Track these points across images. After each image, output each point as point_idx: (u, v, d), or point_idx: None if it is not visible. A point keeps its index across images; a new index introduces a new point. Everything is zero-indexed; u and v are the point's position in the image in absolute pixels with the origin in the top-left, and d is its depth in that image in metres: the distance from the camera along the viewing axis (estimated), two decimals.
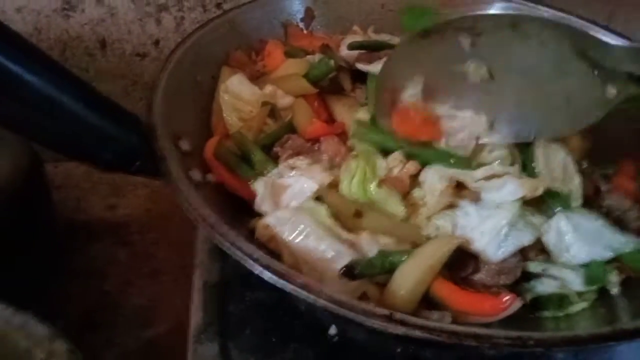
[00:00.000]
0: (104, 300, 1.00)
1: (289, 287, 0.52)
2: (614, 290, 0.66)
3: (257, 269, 0.53)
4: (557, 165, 0.71)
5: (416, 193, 0.68)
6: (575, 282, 0.66)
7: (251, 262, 0.53)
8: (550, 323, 0.64)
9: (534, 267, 0.65)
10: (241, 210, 0.71)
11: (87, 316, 0.97)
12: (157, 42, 1.19)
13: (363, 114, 0.75)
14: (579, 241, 0.64)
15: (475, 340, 0.50)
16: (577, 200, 0.69)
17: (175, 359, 0.72)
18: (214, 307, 0.73)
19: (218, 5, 1.15)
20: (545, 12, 0.92)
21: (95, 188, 1.18)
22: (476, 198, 0.66)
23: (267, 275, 0.53)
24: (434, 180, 0.66)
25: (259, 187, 0.68)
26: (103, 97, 0.65)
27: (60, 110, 0.59)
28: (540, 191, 0.65)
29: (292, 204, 0.66)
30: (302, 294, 0.51)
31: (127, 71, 1.22)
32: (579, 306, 0.65)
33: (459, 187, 0.68)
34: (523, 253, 0.64)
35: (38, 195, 0.95)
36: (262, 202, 0.67)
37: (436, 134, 0.69)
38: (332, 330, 0.69)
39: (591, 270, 0.65)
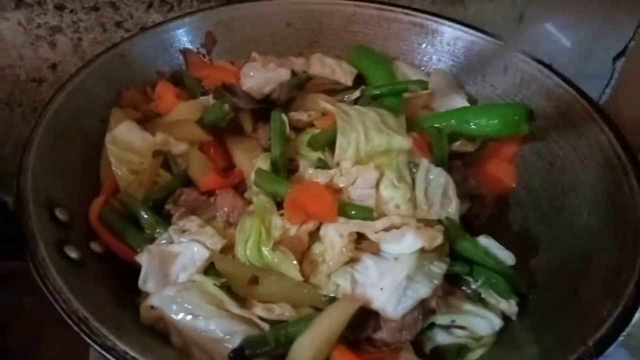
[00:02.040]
0: (9, 356, 0.94)
1: None
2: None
3: None
4: (437, 190, 0.71)
5: (316, 249, 0.65)
6: (482, 328, 0.65)
7: None
8: None
9: (442, 319, 0.65)
10: (134, 277, 0.66)
11: None
12: (54, 66, 1.10)
13: (264, 162, 0.71)
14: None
15: None
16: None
17: None
18: None
19: (118, 24, 1.07)
20: None
21: None
22: (376, 250, 0.64)
23: None
24: (334, 236, 0.63)
25: (144, 259, 0.62)
26: None
27: None
28: (439, 240, 0.63)
29: (181, 276, 0.62)
30: None
31: (23, 98, 1.13)
32: (478, 353, 0.65)
33: (360, 238, 0.66)
34: (424, 304, 0.63)
35: None
36: (147, 278, 0.62)
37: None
38: None
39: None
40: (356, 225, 0.64)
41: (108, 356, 0.50)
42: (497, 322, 0.66)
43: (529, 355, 0.63)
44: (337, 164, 0.71)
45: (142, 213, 0.67)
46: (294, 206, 0.64)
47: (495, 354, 0.65)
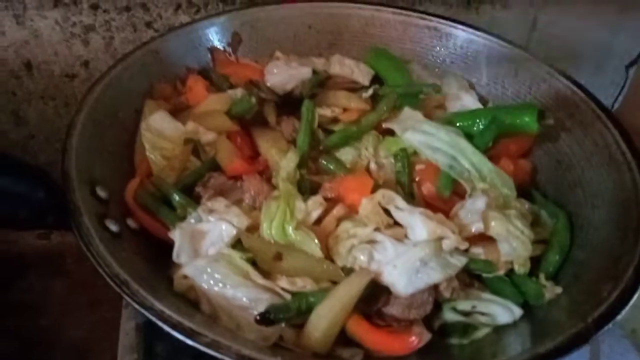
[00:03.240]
0: (39, 335, 0.98)
1: (198, 346, 0.53)
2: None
3: (167, 329, 0.54)
4: None
5: (343, 226, 0.70)
6: (503, 315, 0.69)
7: (161, 322, 0.54)
8: (456, 350, 0.67)
9: (463, 305, 0.68)
10: (166, 254, 0.71)
11: (22, 354, 0.95)
12: (86, 63, 1.16)
13: (292, 158, 0.75)
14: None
15: None
16: None
17: None
18: (141, 350, 0.73)
19: (148, 25, 1.13)
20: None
21: None
22: (399, 237, 0.69)
23: (176, 334, 0.53)
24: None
25: (177, 236, 0.68)
26: (5, 155, 0.63)
27: None
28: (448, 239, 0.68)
29: (210, 251, 0.66)
30: (211, 352, 0.52)
31: (56, 93, 1.19)
32: (483, 332, 0.68)
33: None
34: (437, 290, 0.67)
35: None
36: (180, 253, 0.67)
37: None
38: None
39: (529, 290, 0.70)
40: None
41: (147, 314, 0.54)
42: (517, 311, 0.69)
43: (531, 333, 0.67)
44: None
45: (174, 194, 0.72)
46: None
47: (499, 333, 0.68)
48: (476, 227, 0.70)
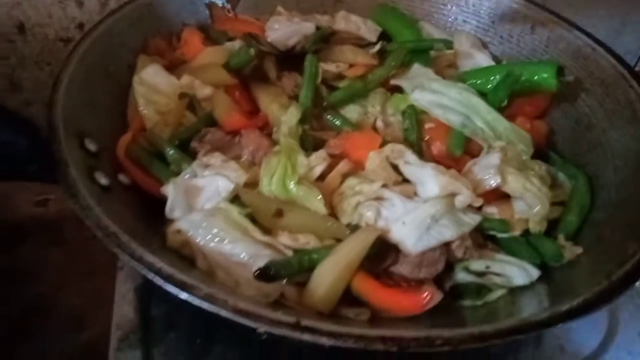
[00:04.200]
0: (37, 303, 0.96)
1: (192, 299, 0.49)
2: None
3: (159, 282, 0.50)
4: None
5: (348, 182, 0.66)
6: (519, 276, 0.65)
7: (152, 274, 0.50)
8: (469, 312, 0.63)
9: (476, 265, 0.64)
10: (159, 211, 0.67)
11: (20, 321, 0.93)
12: (81, 26, 1.11)
13: (294, 112, 0.71)
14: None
15: (383, 343, 0.48)
16: None
17: None
18: (138, 312, 0.70)
19: None
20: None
21: (23, 184, 1.12)
22: (408, 194, 0.64)
23: (169, 288, 0.50)
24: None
25: (170, 191, 0.64)
26: None
27: None
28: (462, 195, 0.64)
29: (207, 206, 0.62)
30: (206, 305, 0.48)
31: (51, 58, 1.15)
32: (497, 293, 0.65)
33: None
34: (449, 250, 0.63)
35: None
36: (173, 207, 0.63)
37: None
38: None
39: (548, 250, 0.66)
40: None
41: (137, 266, 0.51)
42: (535, 273, 0.65)
43: (549, 295, 0.63)
44: None
45: (168, 149, 0.68)
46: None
47: (514, 294, 0.64)
48: (492, 182, 0.65)
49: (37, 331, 0.92)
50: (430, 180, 0.64)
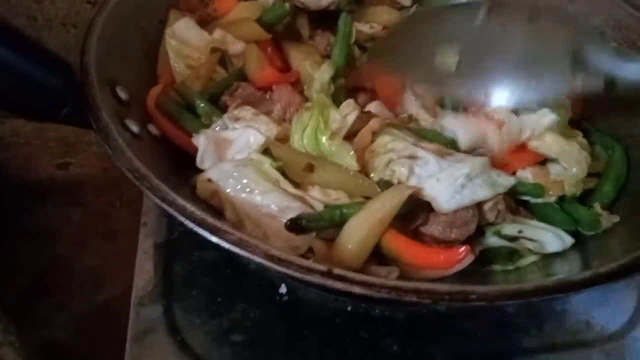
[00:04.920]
0: (56, 262, 0.96)
1: (223, 243, 0.48)
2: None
3: (190, 225, 0.49)
4: None
5: (379, 140, 0.64)
6: (552, 243, 0.63)
7: (183, 217, 0.49)
8: (500, 276, 0.62)
9: (509, 229, 0.63)
10: (186, 165, 0.66)
11: (38, 279, 0.93)
12: None
13: (326, 69, 0.69)
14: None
15: (417, 295, 0.47)
16: None
17: (128, 321, 0.69)
18: (160, 268, 0.70)
19: None
20: None
21: (46, 146, 1.12)
22: (442, 154, 0.63)
23: (200, 232, 0.49)
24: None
25: (201, 141, 0.63)
26: (22, 36, 0.59)
27: None
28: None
29: (237, 157, 0.61)
30: (238, 250, 0.47)
31: (77, 20, 1.14)
32: (530, 259, 0.63)
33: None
34: (481, 212, 0.61)
35: None
36: (204, 158, 0.62)
37: None
38: (283, 289, 0.66)
39: (583, 217, 0.64)
40: None
41: (168, 209, 0.50)
42: (569, 240, 0.63)
43: (582, 261, 0.61)
44: None
45: (198, 102, 0.67)
46: None
47: (546, 261, 0.63)
48: (526, 135, 0.64)
49: (55, 288, 0.92)
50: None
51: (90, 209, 1.04)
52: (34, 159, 1.10)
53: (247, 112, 0.65)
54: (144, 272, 0.70)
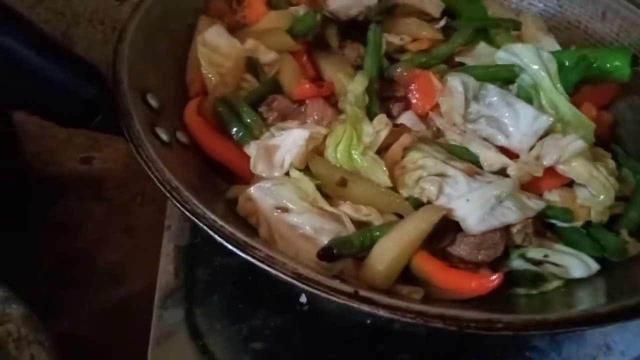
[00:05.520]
0: (77, 256, 0.97)
1: (251, 259, 0.48)
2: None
3: (219, 240, 0.49)
4: None
5: (410, 156, 0.64)
6: (577, 269, 0.62)
7: (212, 232, 0.49)
8: (524, 301, 0.61)
9: (534, 253, 0.62)
10: (215, 174, 0.67)
11: (60, 273, 0.95)
12: None
13: (360, 80, 0.69)
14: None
15: (443, 322, 0.47)
16: None
17: (148, 318, 0.70)
18: (182, 272, 0.70)
19: None
20: None
21: (71, 140, 1.12)
22: (472, 172, 0.63)
23: (228, 246, 0.49)
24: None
25: (252, 150, 0.64)
26: (58, 45, 0.59)
27: (10, 58, 0.53)
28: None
29: (287, 158, 0.62)
30: (265, 267, 0.48)
31: (105, 16, 1.15)
32: (554, 284, 0.63)
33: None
34: (509, 234, 0.61)
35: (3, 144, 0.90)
36: (256, 163, 0.63)
37: None
38: (303, 298, 0.67)
39: (610, 244, 0.64)
40: None
41: (198, 223, 0.50)
42: (594, 266, 0.63)
43: (607, 290, 0.61)
44: None
45: (249, 113, 0.68)
46: None
47: (571, 287, 0.62)
48: (552, 160, 0.64)
49: (75, 282, 0.93)
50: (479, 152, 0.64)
51: (112, 204, 1.05)
52: (57, 153, 1.11)
53: (291, 124, 0.66)
54: (167, 274, 0.70)
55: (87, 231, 1.00)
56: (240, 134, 0.66)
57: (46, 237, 0.97)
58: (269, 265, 0.48)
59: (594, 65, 0.76)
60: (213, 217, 0.50)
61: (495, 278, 0.56)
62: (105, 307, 0.91)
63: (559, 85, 0.72)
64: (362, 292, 0.47)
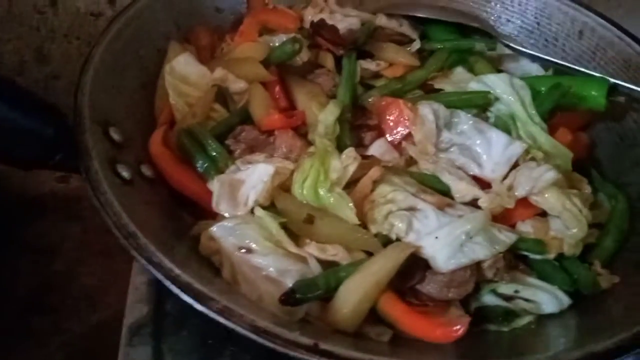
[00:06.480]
0: (52, 280, 0.96)
1: (207, 311, 0.47)
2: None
3: (174, 289, 0.48)
4: None
5: (380, 190, 0.63)
6: (549, 304, 0.62)
7: (168, 282, 0.48)
8: (493, 337, 0.60)
9: (504, 288, 0.62)
10: (182, 208, 0.66)
11: (34, 297, 0.93)
12: (112, 1, 1.09)
13: (332, 110, 0.68)
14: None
15: None
16: None
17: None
18: (151, 305, 0.69)
19: None
20: None
21: None
22: (442, 206, 0.62)
23: (184, 297, 0.48)
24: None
25: (215, 186, 0.62)
26: (12, 87, 0.57)
27: None
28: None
29: (251, 195, 0.61)
30: (222, 320, 0.46)
31: (81, 32, 1.13)
32: (525, 320, 0.62)
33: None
34: (479, 270, 0.60)
35: None
36: (219, 201, 0.61)
37: None
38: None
39: (583, 277, 0.63)
40: None
41: (153, 271, 0.49)
42: (566, 300, 0.62)
43: (579, 326, 0.60)
44: None
45: (214, 145, 0.66)
46: None
47: (542, 322, 0.62)
48: (524, 191, 0.63)
49: (51, 307, 0.92)
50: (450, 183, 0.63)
51: (89, 224, 1.04)
52: (33, 172, 1.09)
53: (258, 157, 0.65)
54: (134, 309, 0.69)
55: (64, 253, 0.99)
56: (205, 166, 0.65)
57: (22, 261, 0.96)
58: (226, 318, 0.46)
59: (570, 91, 0.75)
60: (170, 265, 0.49)
61: (459, 328, 0.55)
62: (78, 333, 0.90)
63: (534, 112, 0.71)
64: (322, 345, 0.46)
